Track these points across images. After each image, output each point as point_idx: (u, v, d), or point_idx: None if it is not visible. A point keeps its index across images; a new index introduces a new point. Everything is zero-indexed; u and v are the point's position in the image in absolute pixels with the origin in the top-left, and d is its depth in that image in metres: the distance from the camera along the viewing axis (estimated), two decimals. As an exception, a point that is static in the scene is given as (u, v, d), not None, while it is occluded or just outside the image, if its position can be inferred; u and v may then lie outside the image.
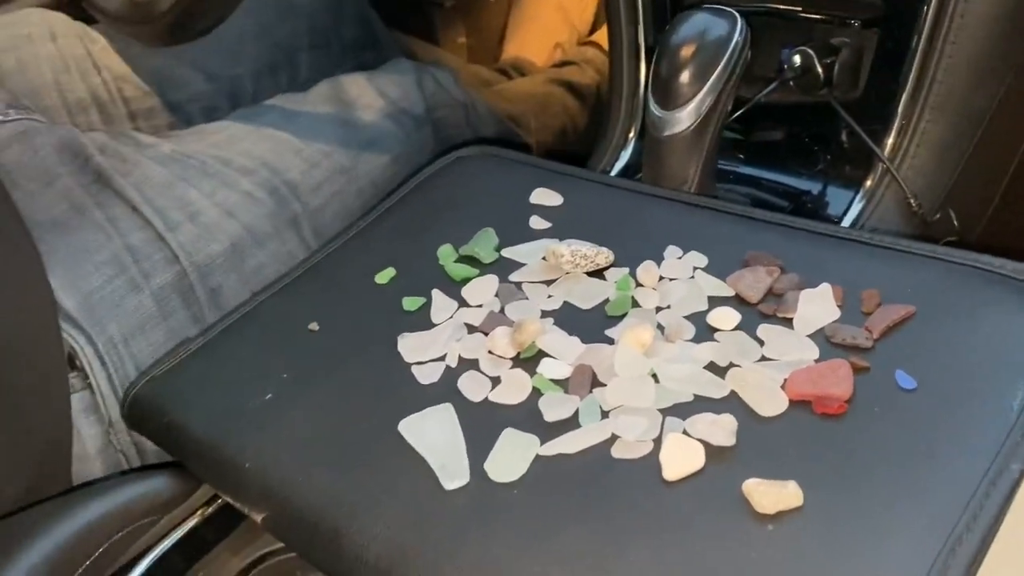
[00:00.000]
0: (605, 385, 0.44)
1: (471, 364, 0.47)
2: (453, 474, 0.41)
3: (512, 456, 0.41)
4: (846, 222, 0.62)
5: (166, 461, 0.49)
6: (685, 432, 0.40)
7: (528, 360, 0.46)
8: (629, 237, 0.52)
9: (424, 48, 1.21)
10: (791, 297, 0.46)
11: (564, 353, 0.46)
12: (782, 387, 0.42)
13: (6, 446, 0.40)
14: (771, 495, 0.36)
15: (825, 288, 0.46)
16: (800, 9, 0.64)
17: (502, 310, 0.50)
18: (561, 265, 0.51)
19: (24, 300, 0.49)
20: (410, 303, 0.52)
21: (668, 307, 0.48)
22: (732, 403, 0.42)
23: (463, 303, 0.51)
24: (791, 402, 0.41)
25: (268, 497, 0.43)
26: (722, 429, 0.40)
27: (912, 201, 0.60)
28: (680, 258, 0.51)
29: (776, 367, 0.43)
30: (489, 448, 0.41)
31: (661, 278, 0.49)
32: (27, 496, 0.48)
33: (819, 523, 0.35)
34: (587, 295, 0.49)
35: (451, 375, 0.46)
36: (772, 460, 0.38)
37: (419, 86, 0.84)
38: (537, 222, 0.55)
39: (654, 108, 0.56)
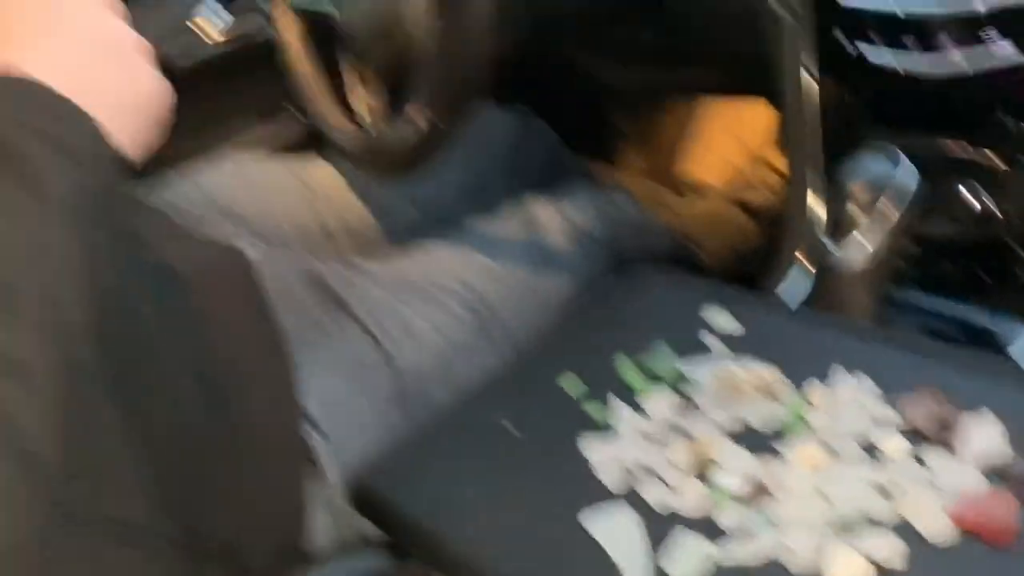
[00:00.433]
0: (776, 499, 0.47)
1: (649, 470, 0.51)
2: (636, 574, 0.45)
3: (689, 561, 0.45)
4: (1016, 355, 0.63)
5: (384, 541, 0.56)
6: (854, 551, 0.43)
7: (703, 471, 0.50)
8: (800, 358, 0.56)
9: (604, 169, 1.29)
10: (959, 426, 0.48)
11: (737, 466, 0.50)
12: (949, 515, 0.44)
13: (255, 527, 0.48)
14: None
15: (993, 419, 0.48)
16: (972, 147, 0.67)
17: (678, 421, 0.54)
18: (734, 382, 0.55)
19: (278, 398, 0.58)
20: (592, 409, 0.57)
21: (837, 430, 0.51)
22: (900, 527, 0.44)
23: (641, 412, 0.56)
24: (959, 530, 0.43)
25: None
26: (891, 551, 0.42)
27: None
28: (849, 381, 0.54)
29: (943, 495, 0.45)
30: (665, 551, 0.46)
31: (830, 400, 0.53)
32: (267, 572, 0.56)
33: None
34: (759, 412, 0.53)
35: (630, 479, 0.51)
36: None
37: (598, 209, 0.92)
38: (710, 339, 0.60)
39: (827, 240, 0.61)
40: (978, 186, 0.64)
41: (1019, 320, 0.59)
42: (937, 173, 0.65)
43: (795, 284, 0.70)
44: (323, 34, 0.93)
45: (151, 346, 0.39)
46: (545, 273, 0.84)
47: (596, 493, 0.50)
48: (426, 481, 0.55)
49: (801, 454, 0.49)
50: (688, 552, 0.45)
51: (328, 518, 0.62)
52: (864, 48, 0.70)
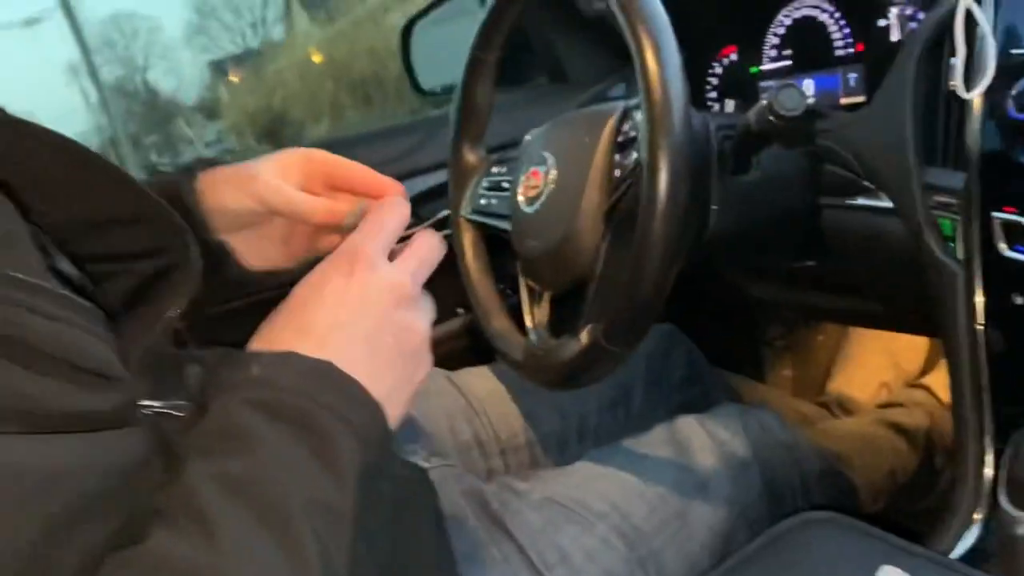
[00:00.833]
0: None
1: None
2: None
3: None
4: None
5: None
6: None
7: None
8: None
9: (748, 385, 1.31)
10: None
11: None
12: None
13: None
14: None
15: None
16: None
17: None
18: (911, 651, 0.54)
19: None
20: (759, 662, 0.57)
21: None
22: None
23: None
24: None
25: None
26: None
27: None
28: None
29: None
30: None
31: None
32: None
33: None
34: None
35: None
36: None
37: (745, 429, 0.92)
38: (885, 600, 0.59)
39: (1008, 506, 0.60)
40: None
41: None
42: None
43: (967, 541, 0.69)
44: (499, 244, 1.01)
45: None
46: (696, 498, 0.84)
47: None
48: None
49: None
50: None
51: None
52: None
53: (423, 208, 1.21)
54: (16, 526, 0.37)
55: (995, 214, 0.70)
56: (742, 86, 1.08)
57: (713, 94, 1.12)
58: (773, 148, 0.82)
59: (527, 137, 0.94)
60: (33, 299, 0.41)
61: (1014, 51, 0.70)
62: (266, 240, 0.66)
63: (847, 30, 0.96)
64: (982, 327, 0.73)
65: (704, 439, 0.88)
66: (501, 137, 1.06)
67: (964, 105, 0.72)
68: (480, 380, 1.02)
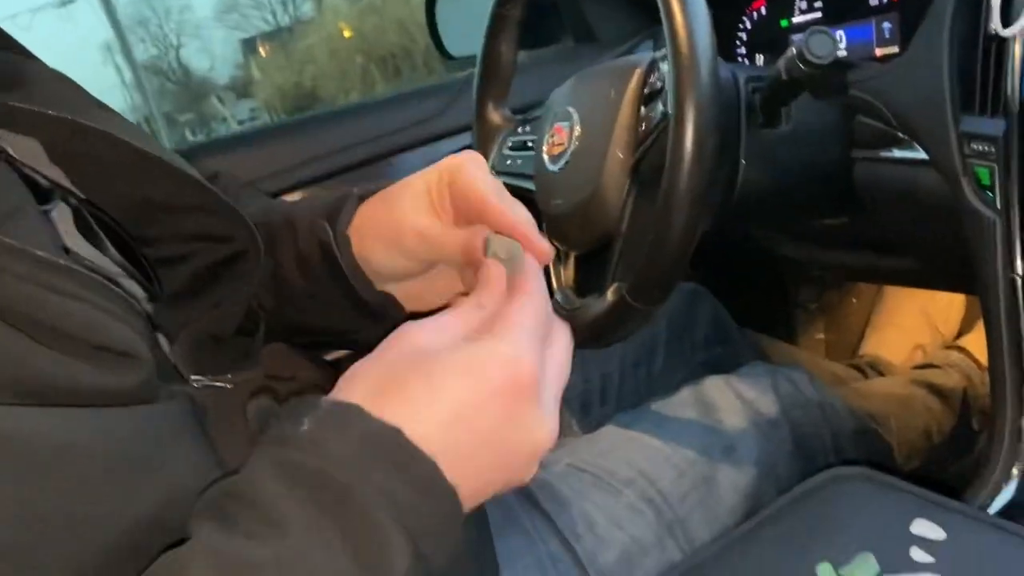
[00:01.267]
0: None
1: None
2: None
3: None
4: None
5: None
6: None
7: None
8: (1017, 585, 0.53)
9: (778, 346, 1.29)
10: None
11: None
12: None
13: None
14: None
15: None
16: None
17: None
18: (945, 604, 0.52)
19: None
20: (789, 616, 0.56)
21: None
22: None
23: (840, 624, 0.54)
24: None
25: None
26: None
27: None
28: (1077, 618, 0.50)
29: None
30: None
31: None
32: None
33: None
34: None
35: None
36: None
37: (774, 388, 0.91)
38: (918, 554, 0.58)
39: (1045, 457, 0.58)
40: None
41: None
42: None
43: (1004, 496, 0.67)
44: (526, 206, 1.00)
45: None
46: (723, 461, 0.83)
47: None
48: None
49: None
50: None
51: None
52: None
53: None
54: (30, 495, 0.36)
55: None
56: (772, 40, 1.06)
57: (742, 49, 1.10)
58: (804, 100, 0.80)
59: (552, 94, 0.93)
60: (43, 274, 0.38)
61: (1056, -12, 0.67)
62: (427, 285, 0.61)
63: (881, -23, 0.93)
64: (1021, 278, 0.70)
65: (731, 399, 0.87)
66: (527, 99, 1.04)
67: (1003, 46, 0.69)
68: None
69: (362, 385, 0.42)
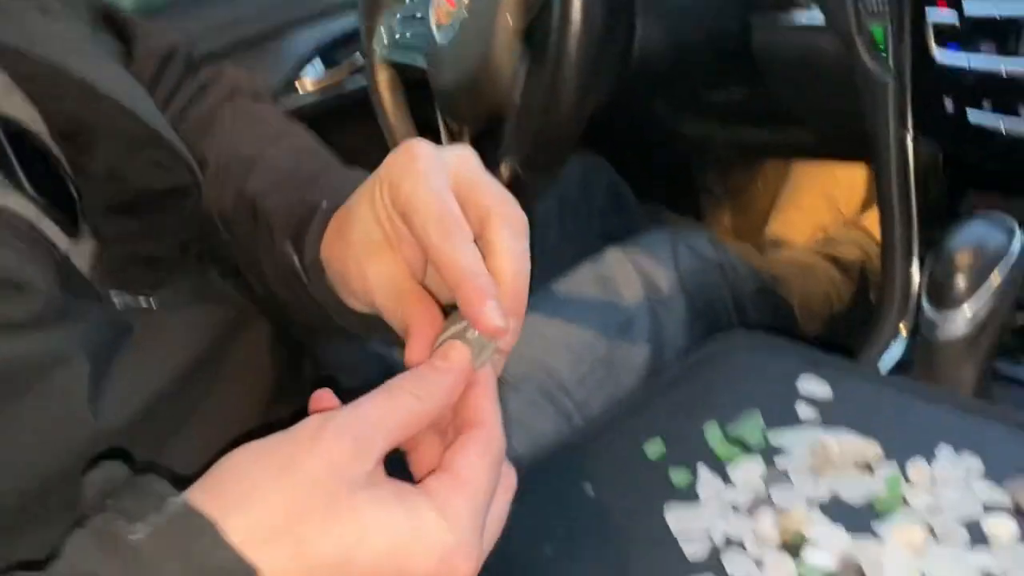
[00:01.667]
0: (871, 581, 0.44)
1: (735, 543, 0.49)
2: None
3: None
4: None
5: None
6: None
7: (792, 546, 0.48)
8: (899, 434, 0.53)
9: (683, 224, 1.28)
10: (1077, 513, 0.45)
11: (829, 543, 0.47)
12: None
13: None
14: None
15: (1116, 508, 0.45)
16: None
17: (768, 493, 0.52)
18: (829, 456, 0.52)
19: None
20: (677, 477, 0.55)
21: (939, 509, 0.48)
22: (1009, 618, 0.41)
23: (728, 481, 0.54)
24: (1075, 624, 0.40)
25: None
26: (997, 643, 0.40)
27: None
28: (953, 458, 0.51)
29: (1059, 586, 0.42)
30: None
31: (932, 479, 0.50)
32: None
33: None
34: (854, 488, 0.50)
35: (715, 551, 0.49)
36: None
37: (674, 256, 0.89)
38: (804, 410, 0.57)
39: (928, 309, 0.58)
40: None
41: None
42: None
43: (894, 354, 0.68)
44: (416, 85, 0.95)
45: None
46: (622, 340, 0.82)
47: (678, 564, 0.48)
48: (505, 538, 0.54)
49: (900, 534, 0.46)
50: None
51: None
52: (967, 110, 0.67)
53: (339, 53, 1.14)
54: None
55: (928, 11, 0.66)
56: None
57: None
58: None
59: (439, -40, 0.87)
60: None
61: None
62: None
63: None
64: (911, 134, 0.70)
65: (629, 271, 0.86)
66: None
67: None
68: None
69: (243, 500, 0.33)
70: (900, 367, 0.68)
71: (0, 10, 0.49)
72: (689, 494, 0.53)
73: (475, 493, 0.35)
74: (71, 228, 0.50)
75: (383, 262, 0.43)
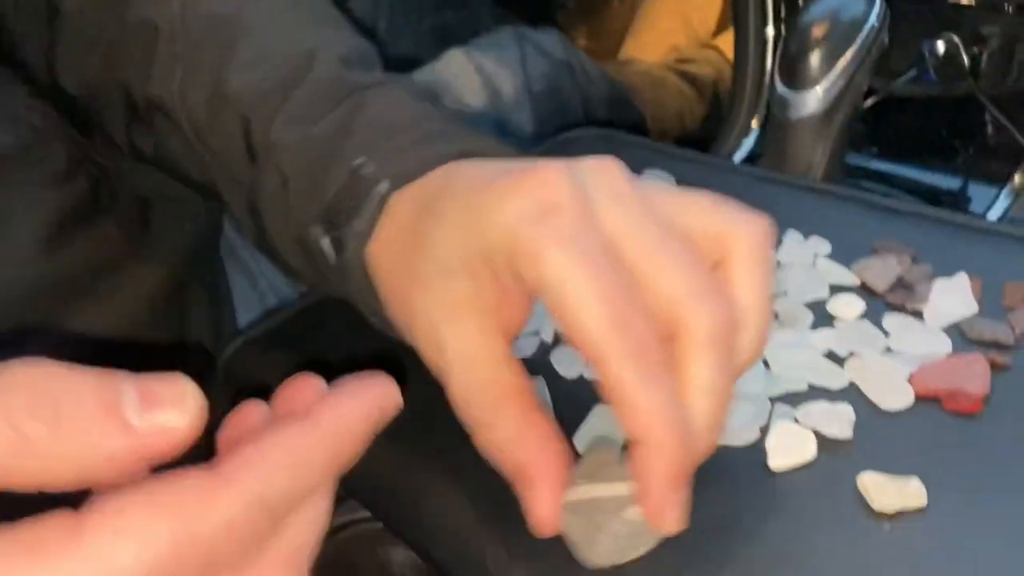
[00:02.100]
0: (710, 368, 0.41)
1: (565, 337, 0.44)
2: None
3: (604, 433, 0.38)
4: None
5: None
6: (796, 421, 0.37)
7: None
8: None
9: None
10: (922, 288, 0.42)
11: (668, 333, 0.43)
12: (909, 382, 0.38)
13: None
14: (891, 492, 0.33)
15: (961, 278, 0.42)
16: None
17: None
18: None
19: None
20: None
21: (785, 293, 0.44)
22: (851, 395, 0.38)
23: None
24: (917, 397, 0.37)
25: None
26: (838, 420, 0.36)
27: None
28: (800, 243, 0.47)
29: (902, 359, 0.39)
30: (580, 425, 0.39)
31: (779, 263, 0.46)
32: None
33: (943, 528, 0.32)
34: (696, 276, 0.46)
35: (544, 350, 0.44)
36: (893, 458, 0.34)
37: (521, 57, 0.82)
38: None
39: (781, 88, 0.53)
40: (955, 39, 0.57)
41: (992, 184, 0.53)
42: (911, 24, 0.58)
43: (744, 148, 0.64)
44: None
45: None
46: None
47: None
48: (303, 351, 0.48)
49: (742, 319, 0.42)
50: (604, 424, 0.39)
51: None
52: None
53: None
54: None
55: None
56: None
57: None
58: None
59: None
60: None
61: None
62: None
63: None
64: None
65: (472, 75, 0.78)
66: None
67: None
68: None
69: None
70: (751, 160, 0.65)
71: None
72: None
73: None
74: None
75: (470, 330, 0.30)
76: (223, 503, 0.19)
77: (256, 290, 0.63)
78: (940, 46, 0.57)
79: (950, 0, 0.59)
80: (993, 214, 0.56)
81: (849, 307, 0.42)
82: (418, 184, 0.33)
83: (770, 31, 0.65)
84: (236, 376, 0.49)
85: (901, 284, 0.43)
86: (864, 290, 0.43)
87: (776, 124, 0.55)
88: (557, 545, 0.33)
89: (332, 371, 0.26)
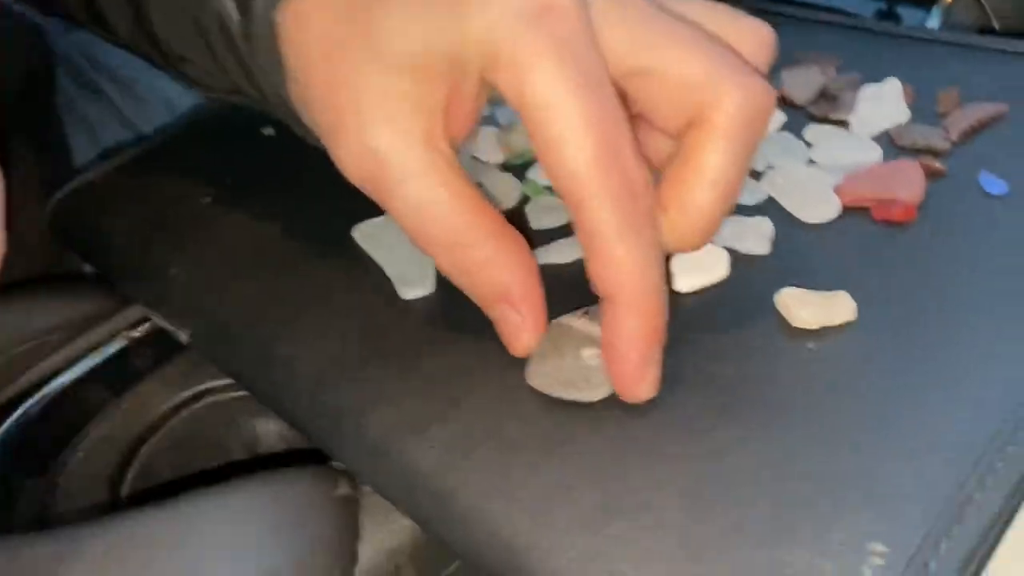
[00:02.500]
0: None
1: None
2: (413, 282, 0.33)
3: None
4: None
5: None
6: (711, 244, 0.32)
7: (518, 166, 0.38)
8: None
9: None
10: (848, 98, 0.37)
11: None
12: (835, 192, 0.33)
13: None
14: (813, 307, 0.28)
15: (892, 84, 0.37)
16: None
17: (492, 112, 0.41)
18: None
19: None
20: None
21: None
22: (770, 210, 0.33)
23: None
24: (844, 208, 0.32)
25: (193, 309, 0.35)
26: (754, 234, 0.31)
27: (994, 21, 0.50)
28: (713, 59, 0.42)
29: (827, 170, 0.34)
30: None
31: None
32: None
33: (873, 345, 0.27)
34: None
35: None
36: (818, 272, 0.30)
37: None
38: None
39: None
40: None
41: (919, 6, 0.48)
42: None
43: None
44: None
45: None
46: None
47: (375, 204, 0.37)
48: (144, 196, 0.41)
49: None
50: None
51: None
52: None
53: None
54: None
55: None
56: None
57: None
58: None
59: None
60: None
61: None
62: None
63: None
64: None
65: None
66: None
67: None
68: None
69: None
70: None
71: None
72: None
73: None
74: None
75: (418, 138, 0.25)
76: None
77: (98, 146, 0.55)
78: None
79: None
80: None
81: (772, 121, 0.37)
82: None
83: None
84: (65, 223, 0.42)
85: (825, 95, 0.38)
86: (784, 102, 0.38)
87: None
88: (419, 384, 0.28)
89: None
